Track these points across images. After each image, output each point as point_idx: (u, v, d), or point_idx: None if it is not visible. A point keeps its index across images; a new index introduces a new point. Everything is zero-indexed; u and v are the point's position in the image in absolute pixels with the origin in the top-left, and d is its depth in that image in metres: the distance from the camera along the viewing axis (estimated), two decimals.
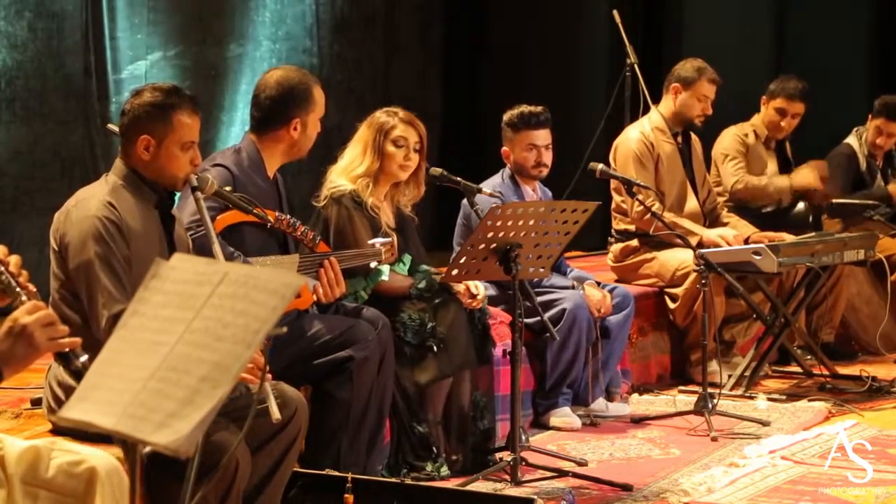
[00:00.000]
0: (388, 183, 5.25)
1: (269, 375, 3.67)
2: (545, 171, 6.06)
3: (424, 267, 5.27)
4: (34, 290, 2.91)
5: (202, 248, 4.20)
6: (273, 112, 4.72)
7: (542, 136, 6.01)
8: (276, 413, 3.61)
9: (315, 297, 4.59)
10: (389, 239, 4.93)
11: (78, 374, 2.75)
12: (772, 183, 7.46)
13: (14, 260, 2.94)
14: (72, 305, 3.80)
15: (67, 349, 2.81)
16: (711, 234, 6.72)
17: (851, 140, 7.98)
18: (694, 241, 6.44)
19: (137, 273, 3.72)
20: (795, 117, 7.56)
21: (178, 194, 4.13)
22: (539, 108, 6.04)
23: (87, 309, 3.74)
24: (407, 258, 5.22)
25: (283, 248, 4.67)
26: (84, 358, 2.81)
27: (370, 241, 4.90)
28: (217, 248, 3.85)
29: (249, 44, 7.87)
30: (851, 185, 7.88)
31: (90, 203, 3.80)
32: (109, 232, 3.75)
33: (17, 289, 2.87)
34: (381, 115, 5.26)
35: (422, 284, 5.14)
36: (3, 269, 2.90)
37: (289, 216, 4.59)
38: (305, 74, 4.84)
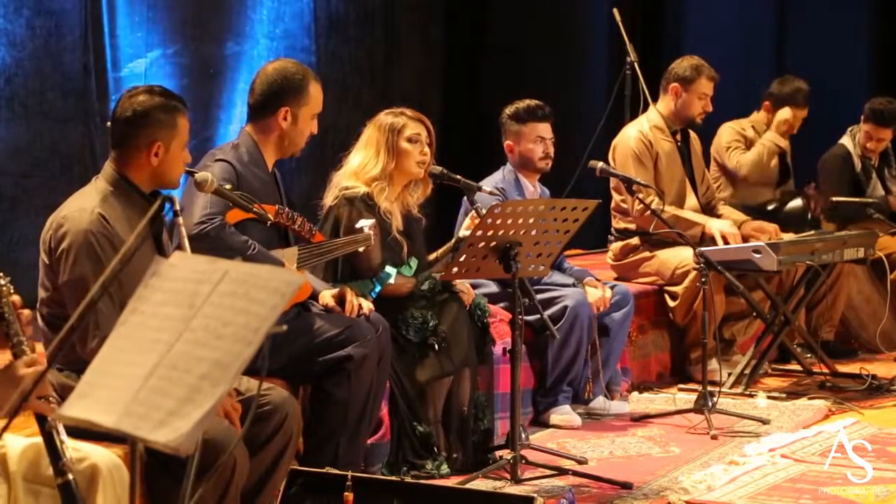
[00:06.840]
0: (402, 184, 5.23)
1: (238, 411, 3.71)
2: (550, 164, 6.09)
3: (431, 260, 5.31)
4: (30, 332, 2.94)
5: (216, 241, 4.21)
6: (264, 100, 4.70)
7: (548, 129, 6.07)
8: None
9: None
10: (373, 220, 4.92)
11: (49, 437, 2.78)
12: (761, 144, 7.53)
13: (14, 301, 2.94)
14: (59, 316, 3.77)
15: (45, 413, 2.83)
16: (713, 226, 6.72)
17: (845, 140, 7.95)
18: (697, 230, 6.51)
19: (130, 282, 3.69)
20: (802, 119, 7.64)
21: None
22: (541, 102, 6.09)
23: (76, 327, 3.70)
24: (413, 261, 5.21)
25: (284, 241, 4.67)
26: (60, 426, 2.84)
27: (357, 226, 4.89)
28: (188, 248, 3.80)
29: (247, 42, 7.85)
30: (848, 187, 7.86)
31: (82, 217, 3.75)
32: (103, 248, 3.71)
33: (20, 336, 2.88)
34: (387, 117, 5.24)
35: (425, 286, 5.14)
36: (13, 319, 2.91)
37: (287, 209, 4.59)
38: (304, 69, 4.80)
